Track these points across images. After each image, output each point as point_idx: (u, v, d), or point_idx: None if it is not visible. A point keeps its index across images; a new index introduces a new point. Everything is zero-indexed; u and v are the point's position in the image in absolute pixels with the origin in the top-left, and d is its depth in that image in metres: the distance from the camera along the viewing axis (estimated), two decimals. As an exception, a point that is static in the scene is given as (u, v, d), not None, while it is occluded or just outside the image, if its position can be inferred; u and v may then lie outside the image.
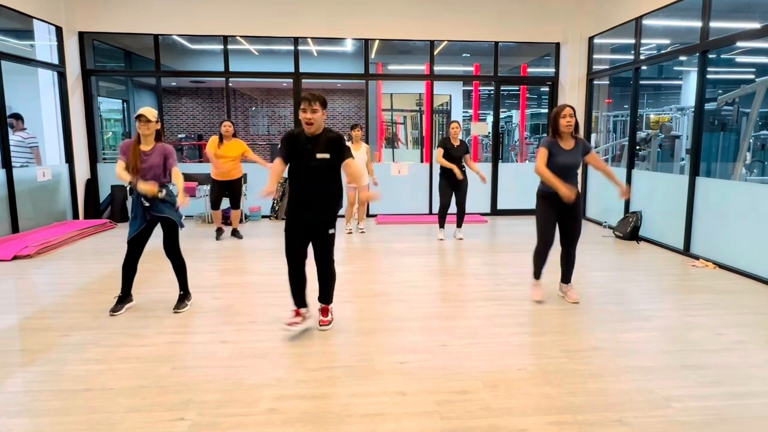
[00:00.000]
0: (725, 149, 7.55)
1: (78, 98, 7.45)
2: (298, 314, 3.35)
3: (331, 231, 3.28)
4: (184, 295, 3.84)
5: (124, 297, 3.76)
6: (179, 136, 13.88)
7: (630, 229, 6.34)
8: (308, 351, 3.05)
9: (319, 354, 3.02)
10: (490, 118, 12.01)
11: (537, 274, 4.06)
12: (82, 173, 7.57)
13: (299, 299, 3.36)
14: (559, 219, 3.89)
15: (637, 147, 8.35)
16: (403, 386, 2.62)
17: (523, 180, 8.57)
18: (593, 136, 8.80)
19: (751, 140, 7.71)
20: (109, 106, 11.57)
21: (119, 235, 6.55)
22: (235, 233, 6.46)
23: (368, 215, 8.21)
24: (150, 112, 3.56)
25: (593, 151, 3.89)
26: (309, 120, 3.11)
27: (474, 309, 3.81)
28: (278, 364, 2.87)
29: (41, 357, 2.96)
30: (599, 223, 7.35)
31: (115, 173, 3.68)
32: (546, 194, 3.84)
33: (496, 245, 6.11)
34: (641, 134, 8.99)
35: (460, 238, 6.30)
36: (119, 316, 3.60)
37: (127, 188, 7.53)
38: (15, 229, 6.23)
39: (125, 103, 11.54)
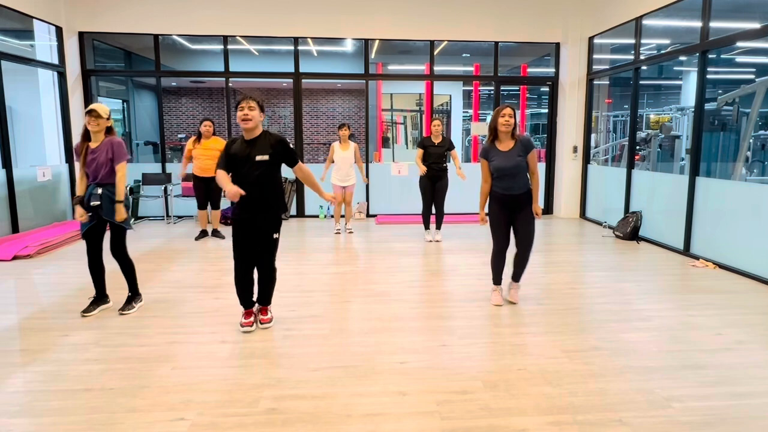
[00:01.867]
0: (725, 149, 7.55)
1: (78, 98, 7.44)
2: (249, 314, 3.41)
3: (275, 235, 3.30)
4: (133, 297, 3.77)
5: (99, 298, 3.72)
6: (179, 136, 13.88)
7: (630, 229, 6.34)
8: (308, 351, 3.05)
9: (319, 354, 3.02)
10: (489, 118, 12.00)
11: (496, 279, 3.98)
12: (82, 173, 7.56)
13: (248, 300, 3.42)
14: (512, 222, 3.84)
15: (637, 147, 8.36)
16: (403, 386, 2.62)
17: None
18: (593, 136, 8.80)
19: (751, 140, 7.70)
20: (109, 106, 11.53)
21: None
22: (216, 233, 6.45)
23: (368, 215, 8.20)
24: (102, 108, 3.46)
25: (533, 151, 3.79)
26: (246, 117, 3.11)
27: (474, 309, 3.81)
28: (278, 364, 2.87)
29: (41, 357, 2.96)
30: (599, 223, 7.35)
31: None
32: (496, 197, 3.80)
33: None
34: (641, 134, 8.99)
35: (438, 240, 6.22)
36: (118, 317, 3.60)
37: (127, 189, 7.55)
38: (15, 229, 6.23)
39: (125, 103, 11.54)
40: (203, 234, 6.42)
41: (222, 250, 5.74)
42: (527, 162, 3.72)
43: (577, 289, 4.23)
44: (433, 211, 6.23)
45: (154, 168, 7.99)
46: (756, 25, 4.76)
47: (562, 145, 8.22)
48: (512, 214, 3.79)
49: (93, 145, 3.49)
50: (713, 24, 5.32)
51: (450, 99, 12.77)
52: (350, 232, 6.81)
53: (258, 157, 3.12)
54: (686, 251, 5.58)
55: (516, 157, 3.69)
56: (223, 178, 3.14)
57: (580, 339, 3.24)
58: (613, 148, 10.81)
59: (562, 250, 5.87)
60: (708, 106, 7.29)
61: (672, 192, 5.88)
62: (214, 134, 6.21)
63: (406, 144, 13.51)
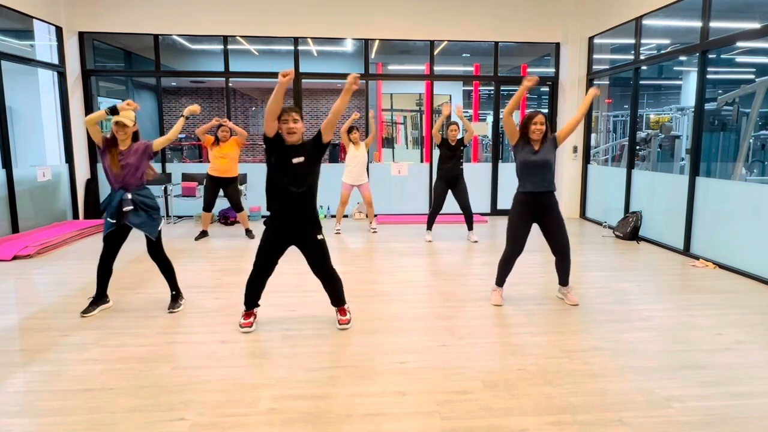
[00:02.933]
0: (725, 149, 7.55)
1: (78, 98, 7.44)
2: (250, 315, 3.41)
3: (319, 237, 3.32)
4: (177, 295, 3.80)
5: (99, 298, 3.73)
6: (179, 136, 13.88)
7: (630, 229, 6.34)
8: (308, 351, 3.05)
9: (319, 354, 3.02)
10: (490, 118, 11.99)
11: (499, 281, 3.95)
12: (82, 173, 7.57)
13: (253, 302, 3.43)
14: (541, 227, 3.82)
15: (637, 147, 8.35)
16: (403, 386, 2.62)
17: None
18: (593, 136, 8.81)
19: (751, 140, 7.70)
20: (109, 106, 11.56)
21: (119, 235, 6.55)
22: (248, 233, 6.47)
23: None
24: (129, 119, 3.46)
25: (557, 132, 3.83)
26: (291, 130, 3.12)
27: (474, 309, 3.81)
28: (278, 364, 2.87)
29: (41, 357, 2.96)
30: (599, 223, 7.35)
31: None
32: (523, 199, 3.77)
33: (497, 245, 6.11)
34: (641, 134, 8.99)
35: (475, 241, 6.17)
36: (118, 317, 3.60)
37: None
38: (15, 229, 6.23)
39: (125, 103, 11.53)
40: (203, 234, 6.42)
41: (222, 251, 5.75)
42: (561, 138, 3.80)
43: (577, 289, 4.23)
44: (432, 213, 6.22)
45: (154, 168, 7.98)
46: (756, 25, 4.75)
47: (561, 144, 8.20)
48: (539, 218, 3.77)
49: (121, 147, 3.51)
50: (713, 24, 5.32)
51: (450, 99, 12.77)
52: (374, 232, 6.81)
53: (294, 160, 3.11)
54: (686, 251, 5.58)
55: (547, 154, 3.72)
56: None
57: (580, 339, 3.24)
58: (613, 148, 10.81)
59: (562, 250, 5.86)
60: (708, 106, 7.29)
61: (672, 192, 5.88)
62: (231, 135, 6.26)
63: (406, 144, 13.51)
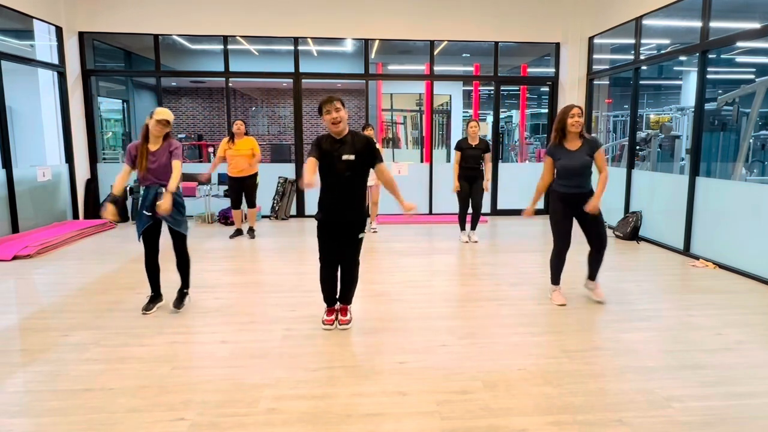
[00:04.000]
0: (725, 149, 7.54)
1: (78, 98, 7.44)
2: (332, 312, 3.45)
3: (360, 235, 3.35)
4: (185, 294, 3.82)
5: (155, 296, 3.78)
6: (179, 136, 13.88)
7: (630, 229, 6.34)
8: (308, 351, 3.05)
9: (319, 354, 3.02)
10: (490, 118, 12.00)
11: (555, 279, 3.96)
12: (82, 173, 7.57)
13: (333, 298, 3.46)
14: (579, 221, 3.83)
15: (637, 147, 8.35)
16: (403, 386, 2.62)
17: (523, 180, 8.57)
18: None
19: (751, 140, 7.70)
20: (109, 106, 11.57)
21: (119, 236, 6.56)
22: (251, 231, 6.48)
23: (368, 215, 8.19)
24: (170, 116, 3.57)
25: (600, 149, 3.79)
26: (335, 120, 3.11)
27: (474, 309, 3.81)
28: (278, 364, 2.87)
29: (41, 357, 2.96)
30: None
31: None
32: (561, 195, 3.79)
33: (497, 245, 6.11)
34: (641, 134, 8.98)
35: (475, 241, 6.16)
36: (118, 317, 3.60)
37: (126, 189, 7.54)
38: (15, 229, 6.23)
39: (125, 103, 11.54)
40: (238, 233, 6.47)
41: (222, 251, 5.75)
42: (594, 161, 3.72)
43: (577, 289, 4.23)
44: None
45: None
46: (756, 25, 4.75)
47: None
48: (578, 213, 3.77)
49: (152, 147, 3.56)
50: (713, 24, 5.32)
51: (450, 99, 12.78)
52: (374, 232, 6.83)
53: (345, 157, 3.12)
54: (686, 251, 5.58)
55: (584, 157, 3.69)
56: (310, 166, 3.05)
57: (580, 339, 3.24)
58: (613, 148, 10.81)
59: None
60: (708, 106, 7.28)
61: (672, 192, 5.88)
62: (246, 134, 6.26)
63: (406, 144, 13.51)
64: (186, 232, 3.71)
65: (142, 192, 3.59)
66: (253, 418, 2.33)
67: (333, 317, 3.44)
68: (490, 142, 6.69)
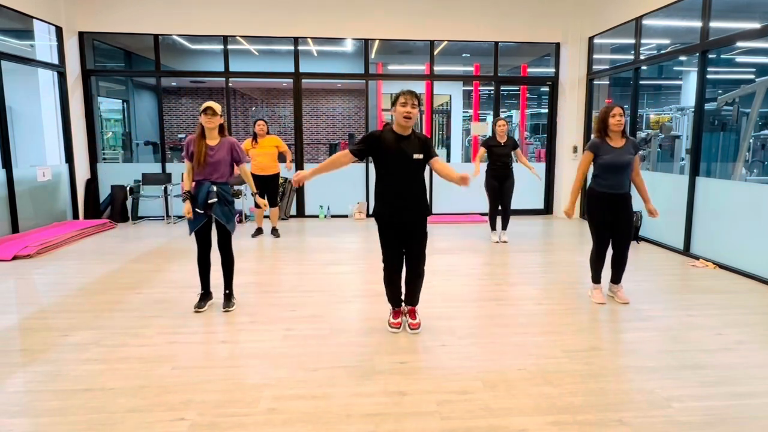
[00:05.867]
0: (725, 149, 7.55)
1: (78, 98, 7.44)
2: (398, 314, 3.41)
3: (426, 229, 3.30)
4: (230, 294, 3.83)
5: (206, 294, 3.80)
6: (179, 136, 13.88)
7: (630, 229, 6.34)
8: (308, 351, 3.05)
9: (319, 354, 3.01)
10: (490, 118, 11.99)
11: (596, 278, 3.97)
12: (82, 173, 7.57)
13: (398, 299, 3.41)
14: (613, 222, 3.84)
15: (637, 147, 8.34)
16: (403, 386, 2.62)
17: (522, 180, 8.56)
18: (593, 136, 8.79)
19: (751, 140, 7.70)
20: (109, 106, 11.57)
21: (119, 236, 6.55)
22: (274, 232, 6.51)
23: (368, 215, 8.19)
24: (216, 105, 3.57)
25: (638, 155, 3.83)
26: (409, 114, 3.02)
27: (474, 309, 3.81)
28: (278, 364, 2.87)
29: (41, 357, 2.96)
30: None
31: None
32: (599, 194, 3.79)
33: (497, 245, 6.10)
34: (641, 134, 8.98)
35: (504, 241, 6.11)
36: (118, 317, 3.60)
37: (127, 189, 7.54)
38: (15, 229, 6.23)
39: (125, 103, 11.54)
40: (259, 231, 6.51)
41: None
42: (633, 160, 3.74)
43: (577, 289, 4.23)
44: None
45: (154, 168, 7.98)
46: (756, 25, 4.75)
47: (562, 145, 8.22)
48: (613, 213, 3.78)
49: (211, 142, 3.59)
50: (713, 24, 5.32)
51: (450, 99, 12.77)
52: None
53: (416, 156, 3.08)
54: (686, 251, 5.58)
55: (627, 154, 3.71)
56: (333, 163, 3.10)
57: (580, 339, 3.24)
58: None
59: (562, 250, 5.87)
60: (708, 106, 7.28)
61: (672, 192, 5.88)
62: (268, 132, 6.35)
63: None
64: (233, 230, 3.73)
65: (195, 188, 3.62)
66: (253, 418, 2.33)
67: (400, 320, 3.38)
68: (518, 140, 6.70)
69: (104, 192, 7.75)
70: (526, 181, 8.55)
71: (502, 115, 11.01)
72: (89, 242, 6.17)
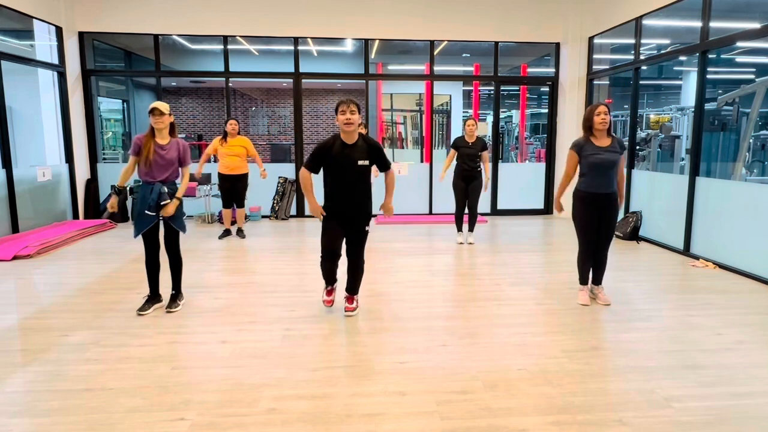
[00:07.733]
0: (725, 149, 7.55)
1: (78, 98, 7.44)
2: (331, 292, 3.72)
3: (366, 228, 3.53)
4: (176, 295, 3.80)
5: (152, 297, 3.77)
6: (179, 136, 13.86)
7: (630, 229, 6.35)
8: (308, 351, 3.05)
9: (319, 354, 3.02)
10: (490, 118, 12.01)
11: (583, 279, 3.97)
12: (82, 173, 7.57)
13: (332, 279, 3.68)
14: (598, 221, 3.83)
15: (637, 147, 8.35)
16: (403, 386, 2.62)
17: (522, 180, 8.58)
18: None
19: (751, 140, 7.70)
20: (109, 106, 11.56)
21: (119, 235, 6.56)
22: (240, 232, 6.46)
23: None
24: (163, 105, 3.57)
25: (624, 154, 3.84)
26: (348, 121, 3.25)
27: (474, 309, 3.81)
28: (278, 364, 2.87)
29: (41, 357, 2.96)
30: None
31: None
32: (585, 195, 3.80)
33: (497, 245, 6.11)
34: (641, 134, 8.98)
35: (471, 243, 6.10)
36: (118, 316, 3.60)
37: (127, 188, 7.54)
38: (15, 229, 6.23)
39: (125, 103, 11.54)
40: (227, 233, 6.44)
41: (222, 251, 5.74)
42: (618, 159, 3.75)
43: (577, 289, 4.23)
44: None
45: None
46: (756, 25, 4.75)
47: (562, 145, 8.21)
48: (599, 214, 3.78)
49: (161, 141, 3.58)
50: (713, 24, 5.32)
51: (450, 99, 12.77)
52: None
53: (360, 162, 3.31)
54: (686, 251, 5.58)
55: (614, 153, 3.71)
56: (308, 186, 3.38)
57: (580, 339, 3.24)
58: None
59: (562, 250, 5.86)
60: (708, 106, 7.29)
61: (672, 192, 5.88)
62: (239, 133, 6.27)
63: (405, 144, 13.50)
64: (184, 230, 3.71)
65: (141, 189, 3.59)
66: (253, 418, 2.33)
67: (332, 298, 3.65)
68: (489, 142, 6.65)
69: (104, 192, 7.75)
70: (527, 181, 8.58)
71: (502, 115, 10.99)
72: (89, 242, 6.17)
